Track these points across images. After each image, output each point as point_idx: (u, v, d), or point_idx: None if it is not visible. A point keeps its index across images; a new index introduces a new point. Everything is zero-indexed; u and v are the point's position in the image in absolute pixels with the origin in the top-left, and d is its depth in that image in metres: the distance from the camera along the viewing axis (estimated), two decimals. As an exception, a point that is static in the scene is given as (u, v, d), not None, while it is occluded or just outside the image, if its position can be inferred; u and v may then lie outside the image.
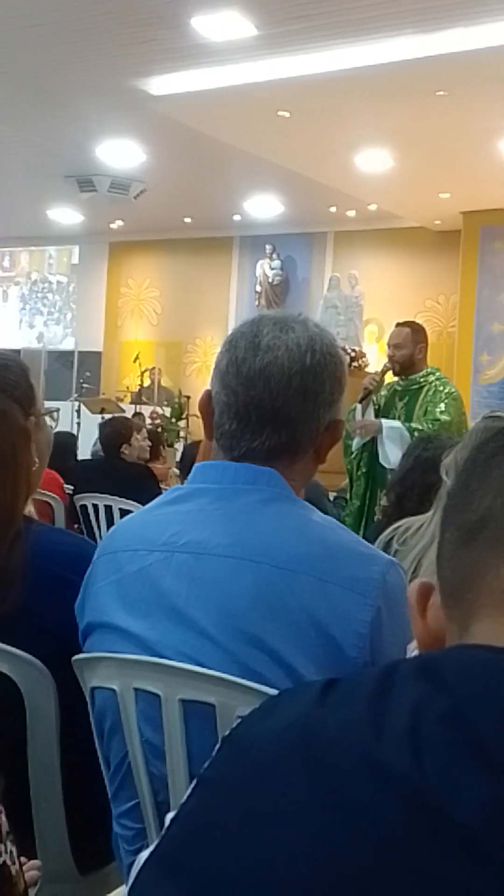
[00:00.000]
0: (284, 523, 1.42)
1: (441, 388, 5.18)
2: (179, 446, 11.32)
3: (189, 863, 0.61)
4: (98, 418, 8.91)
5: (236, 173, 11.26)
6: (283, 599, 1.35)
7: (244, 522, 1.42)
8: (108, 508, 5.14)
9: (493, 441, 0.71)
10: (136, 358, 14.20)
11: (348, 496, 5.44)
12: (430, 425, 4.93)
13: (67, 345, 16.08)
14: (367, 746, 0.58)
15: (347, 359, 5.69)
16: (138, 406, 12.38)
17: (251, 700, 1.25)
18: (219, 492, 1.46)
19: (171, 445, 10.93)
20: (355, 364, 10.98)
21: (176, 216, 13.64)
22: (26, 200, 13.31)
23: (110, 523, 4.88)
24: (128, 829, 1.49)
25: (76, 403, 11.93)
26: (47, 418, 1.89)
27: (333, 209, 12.49)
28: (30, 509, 2.03)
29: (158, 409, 12.90)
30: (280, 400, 1.45)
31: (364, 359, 11.71)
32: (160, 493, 1.59)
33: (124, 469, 5.74)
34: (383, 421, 5.08)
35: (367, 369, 11.05)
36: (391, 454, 4.93)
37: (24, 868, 1.06)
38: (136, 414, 11.08)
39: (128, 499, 4.92)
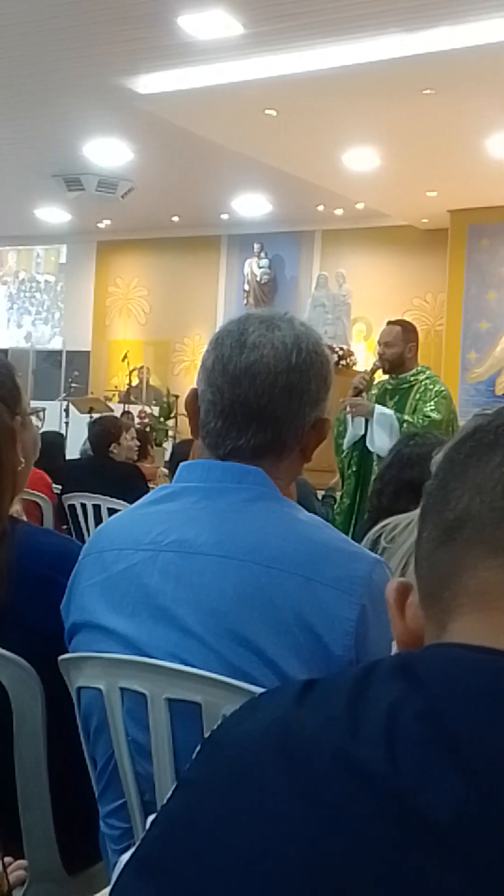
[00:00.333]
0: (270, 522, 1.42)
1: (431, 387, 5.18)
2: (168, 445, 11.31)
3: (169, 864, 0.62)
4: (86, 418, 8.91)
5: (224, 172, 11.26)
6: (268, 598, 1.35)
7: (230, 521, 1.42)
8: (97, 508, 5.14)
9: (471, 440, 0.71)
10: (125, 357, 14.18)
11: (339, 494, 5.45)
12: (421, 421, 4.94)
13: (55, 344, 16.05)
14: (344, 745, 0.59)
15: (335, 357, 5.69)
16: (127, 405, 12.36)
17: (237, 699, 1.25)
18: (204, 490, 1.46)
19: (159, 445, 10.92)
20: (343, 363, 10.99)
21: (164, 215, 13.62)
22: (13, 199, 13.28)
23: (99, 523, 4.87)
24: (115, 829, 1.49)
25: (64, 403, 11.90)
26: (33, 418, 1.89)
27: (321, 208, 12.50)
28: (17, 509, 2.03)
29: (147, 409, 12.89)
30: (266, 398, 1.46)
31: (352, 357, 11.72)
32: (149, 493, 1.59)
33: (113, 468, 5.73)
34: (376, 406, 5.08)
35: (354, 368, 11.06)
36: (378, 439, 4.94)
37: (10, 868, 1.06)
38: (125, 413, 11.07)
39: (116, 498, 4.92)
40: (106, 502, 5.05)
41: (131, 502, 1.59)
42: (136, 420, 11.32)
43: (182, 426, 12.18)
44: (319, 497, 5.67)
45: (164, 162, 11.12)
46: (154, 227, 14.20)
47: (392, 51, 7.56)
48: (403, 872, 0.53)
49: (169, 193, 12.36)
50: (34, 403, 1.97)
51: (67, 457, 7.65)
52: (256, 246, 14.08)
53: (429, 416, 5.00)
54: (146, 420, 12.16)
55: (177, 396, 12.85)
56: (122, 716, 1.42)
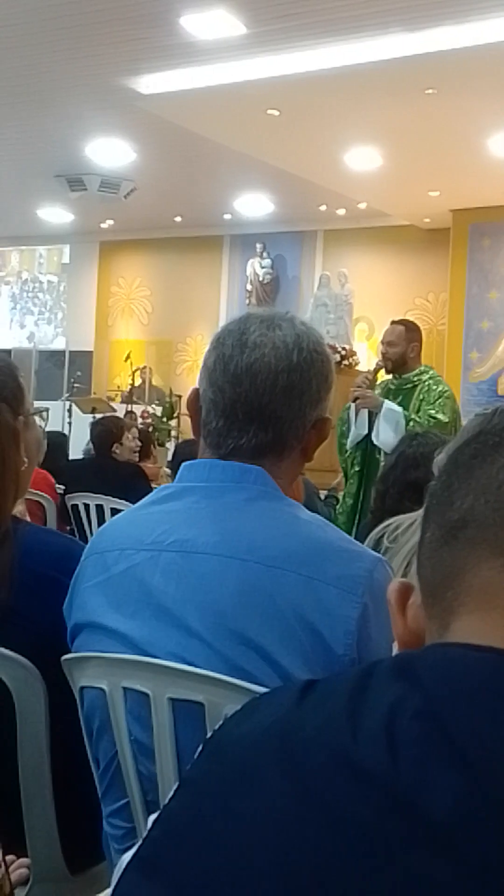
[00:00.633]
0: (271, 521, 1.42)
1: (435, 387, 5.18)
2: (171, 445, 11.31)
3: (169, 864, 0.62)
4: (89, 418, 8.90)
5: (226, 172, 11.26)
6: (270, 597, 1.35)
7: (231, 521, 1.42)
8: (100, 508, 5.14)
9: (476, 441, 0.71)
10: (127, 357, 14.17)
11: (342, 494, 5.44)
12: (427, 422, 4.94)
13: (58, 344, 16.05)
14: (343, 745, 0.59)
15: (337, 357, 5.67)
16: (129, 405, 12.35)
17: (240, 698, 1.25)
18: (206, 490, 1.46)
19: (161, 445, 10.91)
20: (345, 362, 10.98)
21: (166, 215, 13.63)
22: (16, 200, 13.28)
23: (101, 523, 4.87)
24: (118, 828, 1.49)
25: (67, 403, 11.90)
26: (37, 418, 1.89)
27: (323, 207, 12.50)
28: (20, 509, 2.03)
29: (149, 409, 12.89)
30: (266, 397, 1.46)
31: (354, 357, 11.71)
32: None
33: (115, 468, 5.73)
34: (385, 401, 5.07)
35: (357, 368, 11.05)
36: (383, 434, 4.93)
37: (12, 867, 1.06)
38: (128, 413, 11.07)
39: (119, 498, 4.92)
40: (109, 502, 5.05)
41: (134, 502, 1.60)
42: (139, 420, 11.32)
43: (184, 426, 12.18)
44: (322, 497, 5.67)
45: (166, 162, 11.12)
46: (156, 227, 14.20)
47: (394, 50, 7.56)
48: (403, 870, 0.54)
49: (171, 193, 12.37)
50: (37, 403, 1.97)
51: (70, 457, 7.65)
52: (259, 246, 14.08)
53: (434, 418, 4.99)
54: (149, 420, 12.15)
55: (179, 396, 12.85)
56: (124, 715, 1.42)
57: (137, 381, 13.91)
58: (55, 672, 1.50)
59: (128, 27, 7.57)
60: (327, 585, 1.36)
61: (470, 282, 11.90)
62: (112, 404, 11.78)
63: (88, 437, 6.48)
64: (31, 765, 1.61)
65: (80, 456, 7.67)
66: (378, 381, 5.38)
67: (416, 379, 5.23)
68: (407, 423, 4.88)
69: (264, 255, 14.11)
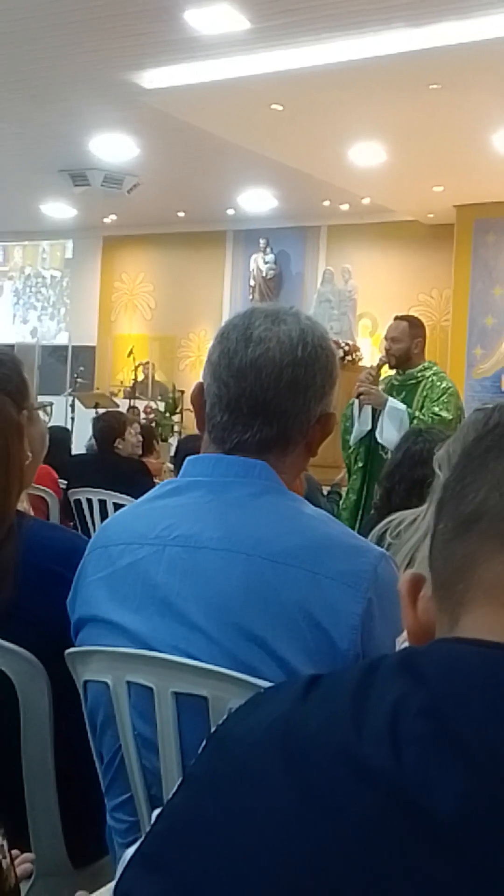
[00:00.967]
0: (276, 516, 1.42)
1: (438, 384, 5.17)
2: (173, 441, 11.31)
3: (172, 859, 0.62)
4: (92, 413, 8.91)
5: (230, 167, 11.25)
6: (274, 592, 1.35)
7: (236, 515, 1.42)
8: (103, 503, 5.14)
9: (491, 435, 0.71)
10: (130, 352, 14.18)
11: (345, 490, 5.44)
12: (431, 419, 4.93)
13: (61, 339, 16.06)
14: (347, 742, 0.59)
15: (340, 353, 5.66)
16: (132, 400, 12.36)
17: (244, 693, 1.25)
18: (210, 485, 1.46)
19: (164, 440, 10.92)
20: (349, 358, 10.98)
21: (169, 210, 13.62)
22: (19, 195, 13.28)
23: (104, 518, 4.86)
24: (121, 823, 1.49)
25: (70, 398, 11.91)
26: (41, 413, 1.89)
27: (327, 203, 12.48)
28: (25, 505, 2.03)
29: (152, 404, 12.90)
30: (271, 392, 1.46)
31: (358, 353, 11.71)
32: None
33: (118, 463, 5.73)
34: (389, 398, 5.07)
35: (360, 364, 11.05)
36: (386, 432, 4.93)
37: (16, 861, 1.06)
38: (131, 408, 11.08)
39: (122, 493, 4.92)
40: (111, 497, 5.05)
41: (136, 497, 1.60)
42: (142, 415, 11.33)
43: (187, 421, 12.19)
44: (325, 493, 5.67)
45: (169, 157, 11.11)
46: (160, 223, 14.20)
47: (398, 45, 7.55)
48: (405, 869, 0.54)
49: (174, 189, 12.36)
50: (40, 398, 1.97)
51: (73, 452, 7.65)
52: (262, 241, 14.07)
53: (438, 415, 4.99)
54: (151, 415, 12.16)
55: (182, 392, 12.87)
56: (128, 709, 1.42)
57: (140, 377, 13.93)
58: (59, 666, 1.50)
59: (131, 22, 7.56)
60: (332, 581, 1.36)
61: (474, 278, 11.88)
62: (115, 399, 11.78)
63: (91, 432, 6.49)
64: (34, 759, 1.61)
65: (82, 451, 7.68)
66: (381, 377, 5.37)
67: (419, 375, 5.23)
68: (411, 421, 4.88)
69: (267, 250, 14.10)
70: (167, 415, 12.68)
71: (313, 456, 1.55)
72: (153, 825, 0.67)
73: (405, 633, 1.32)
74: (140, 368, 13.99)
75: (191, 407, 1.59)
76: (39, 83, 8.97)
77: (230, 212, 13.51)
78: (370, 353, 12.35)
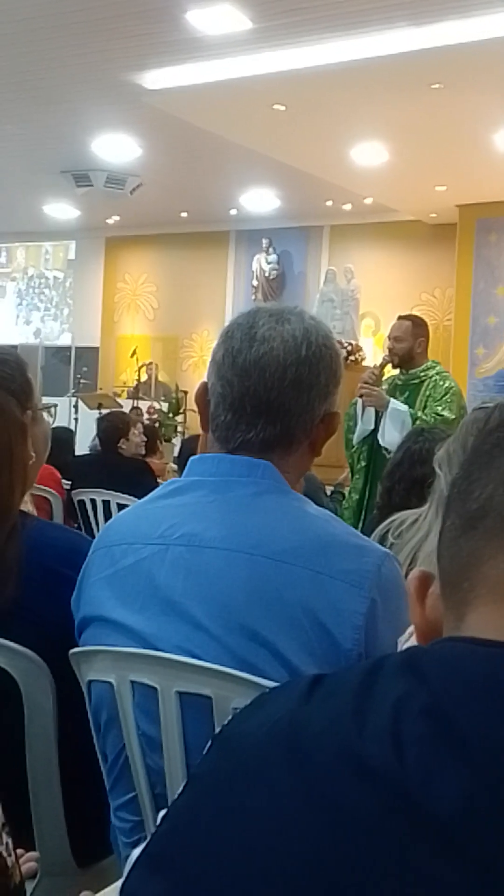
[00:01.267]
0: (279, 515, 1.42)
1: (441, 383, 5.17)
2: (177, 441, 11.32)
3: (175, 859, 0.62)
4: (95, 414, 8.91)
5: (232, 167, 11.25)
6: (278, 591, 1.35)
7: (239, 515, 1.42)
8: (106, 503, 5.14)
9: (498, 431, 0.72)
10: (133, 353, 14.18)
11: (348, 490, 5.44)
12: (434, 419, 4.93)
13: (64, 340, 16.06)
14: (350, 741, 0.59)
15: (343, 352, 5.67)
16: (135, 401, 12.37)
17: (248, 692, 1.26)
18: (214, 484, 1.46)
19: (168, 440, 10.92)
20: (352, 358, 10.98)
21: (172, 211, 13.62)
22: (22, 196, 13.28)
23: (108, 518, 4.87)
24: (126, 822, 1.49)
25: (73, 399, 11.92)
26: (44, 413, 1.89)
27: (329, 203, 12.48)
28: (29, 505, 2.04)
29: (155, 405, 12.90)
30: (275, 391, 1.46)
31: (361, 353, 11.71)
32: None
33: (122, 464, 5.74)
34: (392, 400, 5.07)
35: (363, 363, 11.04)
36: (388, 434, 4.93)
37: (21, 860, 1.06)
38: (134, 409, 11.08)
39: (125, 494, 4.92)
40: (115, 498, 5.05)
41: (140, 497, 1.60)
42: (145, 416, 11.33)
43: (191, 422, 12.19)
44: (328, 493, 5.67)
45: (172, 158, 11.11)
46: (162, 223, 14.20)
47: (400, 45, 7.54)
48: (407, 868, 0.54)
49: (177, 189, 12.36)
50: (43, 399, 1.98)
51: (77, 452, 7.66)
52: (265, 241, 14.07)
53: (441, 415, 4.98)
54: (155, 416, 12.17)
55: (185, 392, 12.87)
56: (132, 709, 1.42)
57: (143, 377, 13.93)
58: (63, 666, 1.50)
59: (133, 22, 7.56)
60: (335, 580, 1.36)
61: (476, 277, 11.87)
62: (118, 400, 11.79)
63: (95, 432, 6.49)
64: (39, 759, 1.61)
65: (86, 452, 7.68)
66: (385, 377, 5.37)
67: (422, 374, 5.23)
68: (414, 422, 4.87)
69: (270, 250, 14.10)
70: (170, 415, 12.68)
71: (317, 455, 1.55)
72: (158, 826, 0.68)
73: (407, 633, 1.33)
74: (143, 369, 13.99)
75: (194, 407, 1.59)
76: (42, 84, 8.98)
77: (233, 212, 13.51)
78: (373, 352, 12.35)
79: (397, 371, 5.35)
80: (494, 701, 0.58)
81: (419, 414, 5.00)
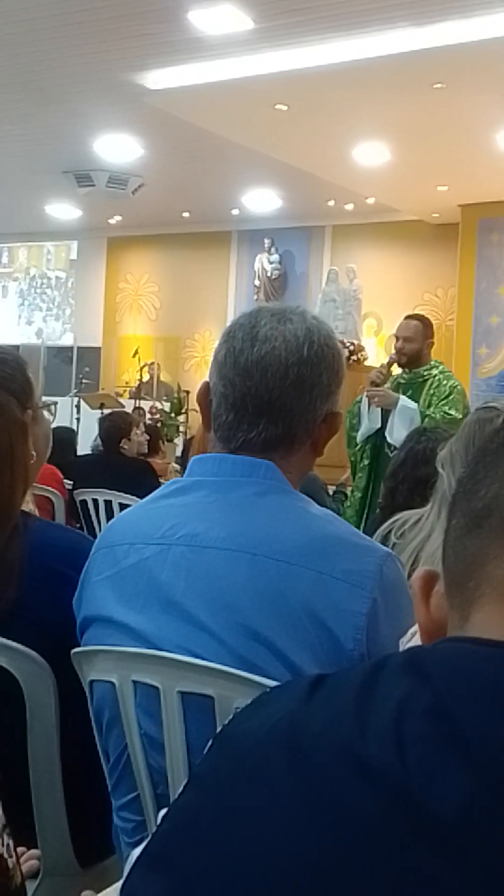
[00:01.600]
0: (281, 515, 1.42)
1: (446, 382, 5.18)
2: (179, 441, 11.32)
3: (177, 859, 0.62)
4: (97, 414, 8.92)
5: (234, 167, 11.25)
6: (280, 592, 1.35)
7: (241, 515, 1.42)
8: (108, 503, 5.15)
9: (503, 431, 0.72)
10: (135, 353, 14.19)
11: (351, 488, 5.44)
12: (443, 417, 4.94)
13: (66, 340, 16.07)
14: (351, 741, 0.59)
15: (345, 352, 5.67)
16: (137, 401, 12.37)
17: (250, 692, 1.25)
18: (215, 484, 1.46)
19: (170, 440, 10.93)
20: (354, 358, 10.98)
21: (174, 211, 13.62)
22: (24, 196, 13.29)
23: (110, 518, 4.86)
24: (128, 822, 1.49)
25: (75, 399, 11.92)
26: (45, 412, 1.89)
27: (331, 203, 12.48)
28: (30, 505, 2.03)
29: (157, 404, 12.90)
30: (277, 391, 1.46)
31: (363, 352, 11.70)
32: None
33: (124, 464, 5.74)
34: (402, 397, 5.06)
35: (365, 363, 11.04)
36: (396, 431, 4.93)
37: (22, 858, 1.06)
38: (136, 409, 11.08)
39: (127, 493, 4.92)
40: (117, 497, 5.06)
41: (142, 497, 1.60)
42: (147, 416, 11.34)
43: (193, 422, 12.19)
44: (330, 492, 5.67)
45: (174, 158, 11.11)
46: (164, 223, 14.20)
47: (402, 45, 7.54)
48: (408, 869, 0.53)
49: (179, 189, 12.36)
50: (45, 399, 1.98)
51: (79, 452, 7.66)
52: (267, 241, 14.07)
53: (449, 415, 4.99)
54: (157, 416, 12.17)
55: (187, 392, 12.86)
56: (134, 709, 1.42)
57: (145, 377, 13.93)
58: (65, 666, 1.50)
59: (135, 23, 7.56)
60: (337, 580, 1.36)
61: (479, 277, 11.87)
62: (120, 400, 11.79)
63: (97, 432, 6.49)
64: (41, 759, 1.61)
65: (88, 452, 7.68)
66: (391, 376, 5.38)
67: (426, 373, 5.23)
68: (422, 420, 4.87)
69: (272, 250, 14.10)
70: (172, 415, 12.68)
71: (319, 455, 1.55)
72: (160, 825, 0.68)
73: (409, 634, 1.32)
74: (145, 369, 13.99)
75: (196, 407, 1.59)
76: (43, 84, 8.98)
77: (235, 212, 13.51)
78: (375, 352, 12.35)
79: (401, 370, 5.35)
80: (496, 701, 0.58)
81: (427, 412, 5.00)
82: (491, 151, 9.61)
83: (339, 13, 7.23)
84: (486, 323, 11.85)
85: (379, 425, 5.12)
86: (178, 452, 10.32)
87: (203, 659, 1.35)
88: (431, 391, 5.15)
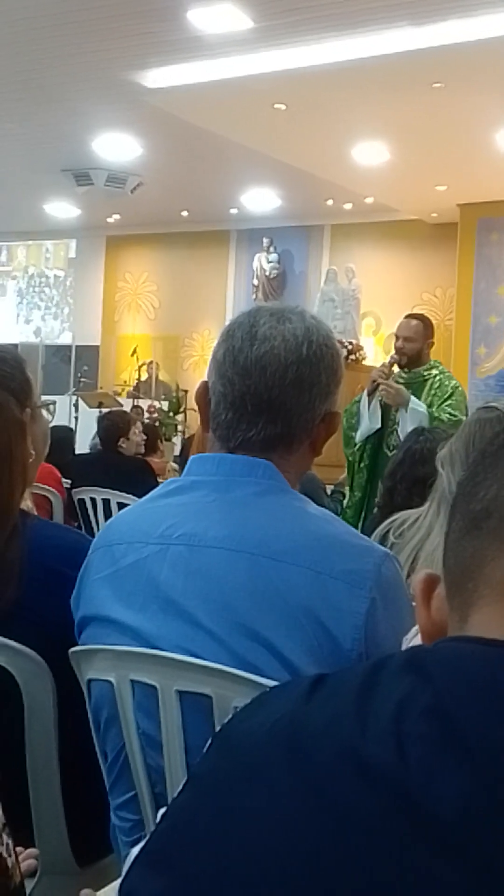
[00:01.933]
0: (280, 515, 1.42)
1: (446, 382, 5.18)
2: (177, 440, 11.33)
3: (175, 857, 0.62)
4: (96, 412, 8.91)
5: (233, 167, 11.24)
6: (278, 591, 1.35)
7: (240, 514, 1.42)
8: (106, 502, 5.15)
9: None
10: (134, 352, 14.19)
11: (349, 487, 5.43)
12: (448, 418, 4.94)
13: (65, 339, 16.05)
14: (352, 741, 0.59)
15: (343, 352, 5.66)
16: (136, 400, 12.37)
17: (248, 691, 1.26)
18: (214, 484, 1.46)
19: (168, 439, 10.92)
20: (353, 357, 10.98)
21: (173, 210, 13.62)
22: (23, 195, 13.28)
23: (108, 517, 4.87)
24: (126, 821, 1.49)
25: (74, 398, 11.91)
26: (44, 411, 1.89)
27: (330, 202, 12.47)
28: (28, 504, 2.03)
29: (156, 404, 12.90)
30: (276, 390, 1.46)
31: (361, 352, 11.70)
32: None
33: (122, 463, 5.74)
34: (413, 398, 5.06)
35: (364, 362, 11.04)
36: (403, 433, 4.92)
37: (21, 857, 1.06)
38: (135, 408, 11.08)
39: (126, 492, 4.92)
40: (115, 497, 5.06)
41: (140, 496, 1.60)
42: (146, 415, 11.33)
43: (191, 421, 12.20)
44: (328, 492, 5.67)
45: (172, 157, 11.11)
46: (163, 222, 14.20)
47: (401, 44, 7.54)
48: (407, 869, 0.53)
49: (178, 188, 12.35)
50: (44, 398, 1.97)
51: (77, 451, 7.66)
52: (265, 240, 14.06)
53: (454, 417, 4.99)
54: (155, 415, 12.17)
55: (186, 391, 12.87)
56: (132, 708, 1.42)
57: (144, 376, 13.94)
58: (64, 665, 1.50)
59: (135, 21, 7.56)
60: (335, 580, 1.36)
61: (478, 277, 11.87)
62: (118, 399, 11.78)
63: (95, 431, 6.49)
64: (39, 758, 1.61)
65: (86, 450, 7.68)
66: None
67: (425, 374, 5.23)
68: (431, 422, 4.86)
69: (271, 249, 14.09)
70: (171, 414, 12.68)
71: (317, 455, 1.55)
72: (158, 824, 0.68)
73: (412, 632, 1.32)
74: (144, 368, 13.99)
75: (195, 406, 1.59)
76: (43, 83, 8.98)
77: (233, 211, 13.51)
78: (374, 352, 12.35)
79: (397, 370, 5.35)
80: (496, 702, 0.58)
81: (437, 413, 5.00)
82: (490, 151, 9.61)
83: (339, 13, 7.23)
84: (484, 323, 11.85)
85: (380, 425, 5.11)
86: (177, 451, 10.33)
87: (201, 658, 1.35)
88: (433, 391, 5.15)
